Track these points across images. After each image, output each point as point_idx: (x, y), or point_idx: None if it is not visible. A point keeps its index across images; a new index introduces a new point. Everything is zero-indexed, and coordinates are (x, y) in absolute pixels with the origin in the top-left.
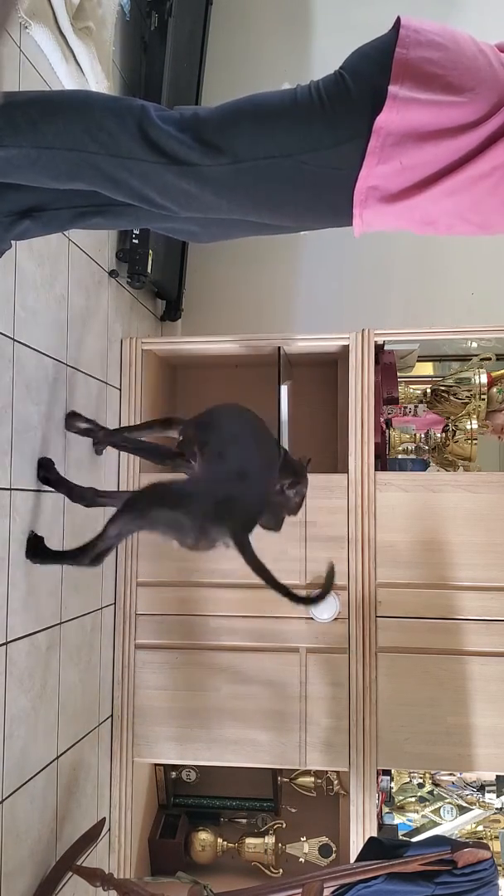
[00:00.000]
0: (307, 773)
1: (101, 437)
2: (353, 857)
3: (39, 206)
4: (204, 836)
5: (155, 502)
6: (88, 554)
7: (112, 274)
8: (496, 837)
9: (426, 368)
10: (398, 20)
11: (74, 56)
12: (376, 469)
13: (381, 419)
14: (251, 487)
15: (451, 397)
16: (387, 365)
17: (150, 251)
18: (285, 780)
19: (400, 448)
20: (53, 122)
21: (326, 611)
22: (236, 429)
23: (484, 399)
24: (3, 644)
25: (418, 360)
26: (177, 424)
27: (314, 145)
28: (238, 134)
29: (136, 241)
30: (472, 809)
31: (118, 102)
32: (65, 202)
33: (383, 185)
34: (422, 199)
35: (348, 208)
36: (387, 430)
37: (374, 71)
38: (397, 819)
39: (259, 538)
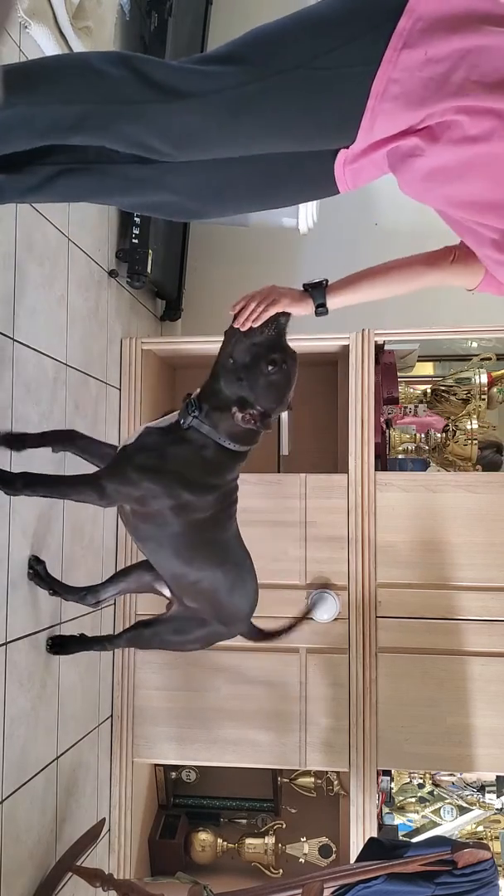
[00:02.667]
0: (307, 773)
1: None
2: (353, 858)
3: (16, 160)
4: (204, 837)
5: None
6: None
7: (112, 274)
8: (496, 838)
9: (426, 368)
10: None
11: None
12: (376, 469)
13: (381, 419)
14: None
15: (451, 397)
16: (387, 365)
17: (150, 251)
18: (285, 780)
19: (400, 448)
20: (45, 78)
21: (326, 611)
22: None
23: (484, 399)
24: (2, 644)
25: (418, 360)
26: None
27: (328, 45)
28: (243, 56)
29: (135, 241)
30: (472, 810)
31: (109, 53)
32: (47, 157)
33: (404, 79)
34: (438, 111)
35: (359, 113)
36: (387, 430)
37: None
38: (397, 819)
39: (259, 538)
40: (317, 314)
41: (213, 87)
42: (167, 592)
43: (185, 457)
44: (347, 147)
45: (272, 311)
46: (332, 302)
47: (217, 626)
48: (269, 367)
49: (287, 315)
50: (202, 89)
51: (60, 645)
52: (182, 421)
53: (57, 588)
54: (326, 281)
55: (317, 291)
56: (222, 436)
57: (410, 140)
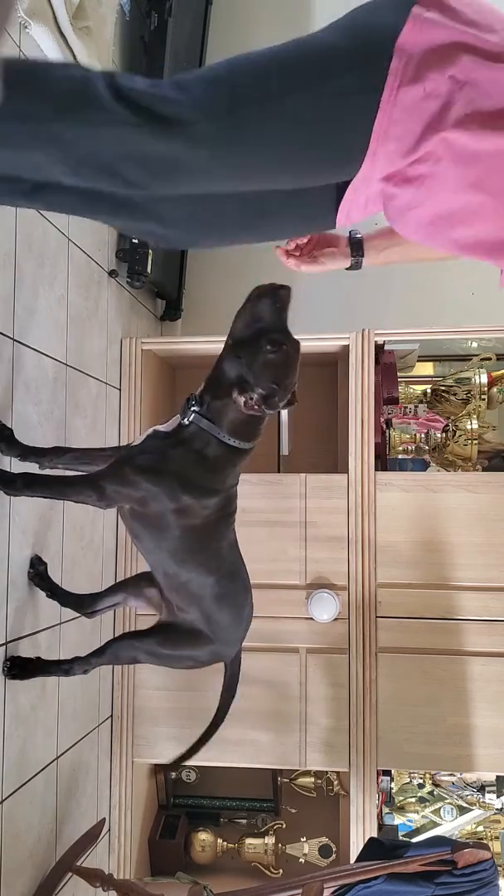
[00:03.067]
0: (307, 773)
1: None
2: (353, 858)
3: None
4: (204, 837)
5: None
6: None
7: (112, 274)
8: (496, 838)
9: (426, 368)
10: None
11: (74, 56)
12: (376, 469)
13: (381, 419)
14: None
15: (451, 397)
16: (387, 365)
17: (150, 251)
18: (285, 780)
19: (400, 448)
20: (7, 90)
21: (326, 611)
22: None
23: (484, 399)
24: (2, 644)
25: (418, 360)
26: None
27: (325, 81)
28: (236, 83)
29: (135, 240)
30: (472, 810)
31: (82, 69)
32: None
33: (404, 119)
34: (439, 143)
35: (360, 152)
36: (387, 430)
37: (392, 5)
38: (397, 819)
39: (259, 538)
40: (349, 268)
41: (200, 115)
42: (156, 599)
43: (186, 458)
44: (346, 182)
45: (325, 254)
46: (367, 258)
47: (210, 644)
48: (269, 346)
49: (287, 289)
50: (192, 117)
51: (20, 667)
52: (183, 418)
53: (55, 591)
54: (360, 237)
55: (356, 247)
56: (224, 431)
57: (406, 190)
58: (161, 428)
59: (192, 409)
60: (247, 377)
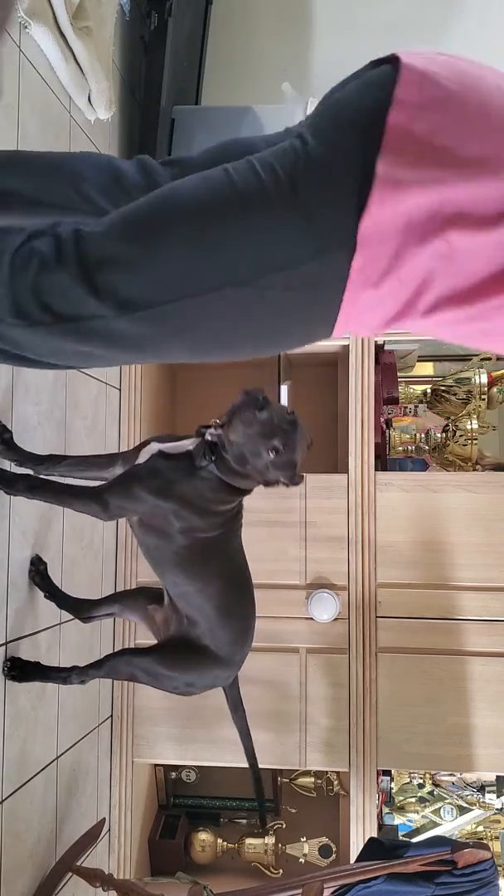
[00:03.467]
0: (307, 773)
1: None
2: (353, 858)
3: None
4: (204, 837)
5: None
6: None
7: None
8: (496, 838)
9: (426, 368)
10: (395, 59)
11: (74, 56)
12: (376, 469)
13: (381, 419)
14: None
15: (451, 397)
16: (387, 365)
17: None
18: (285, 780)
19: (400, 448)
20: None
21: (326, 611)
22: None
23: (484, 399)
24: (2, 644)
25: (418, 360)
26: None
27: (281, 261)
28: (154, 263)
29: None
30: (472, 810)
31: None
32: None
33: (373, 306)
34: (427, 325)
35: (328, 325)
36: (387, 430)
37: (354, 140)
38: (397, 819)
39: (259, 538)
40: None
41: (110, 312)
42: (159, 617)
43: (192, 488)
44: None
45: None
46: None
47: (213, 665)
48: (271, 454)
49: (259, 391)
50: (99, 313)
51: (20, 669)
52: (197, 462)
53: (54, 593)
54: None
55: None
56: (235, 481)
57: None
58: (165, 449)
59: (208, 460)
60: (266, 478)
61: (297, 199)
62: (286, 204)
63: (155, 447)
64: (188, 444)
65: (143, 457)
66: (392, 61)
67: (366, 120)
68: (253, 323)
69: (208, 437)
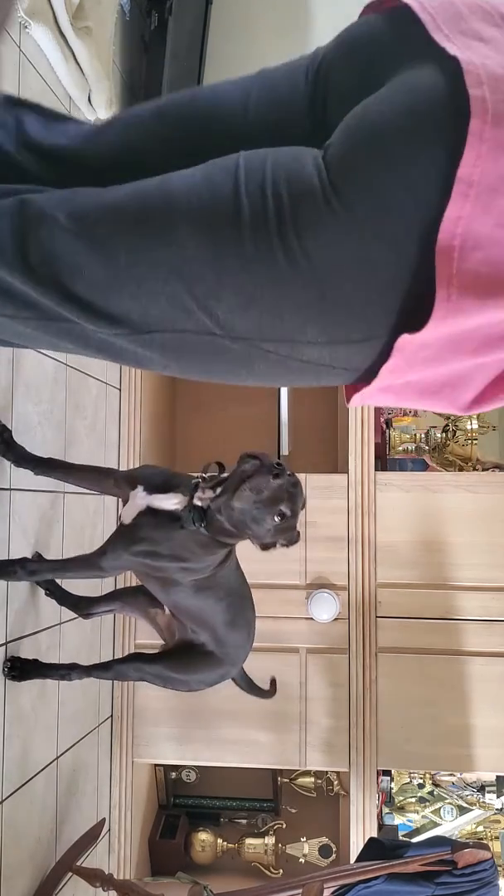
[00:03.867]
0: (307, 773)
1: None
2: (353, 858)
3: None
4: (204, 837)
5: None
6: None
7: None
8: (496, 838)
9: None
10: (455, 61)
11: (74, 56)
12: (376, 469)
13: (381, 419)
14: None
15: None
16: None
17: None
18: (285, 780)
19: (400, 448)
20: None
21: (326, 611)
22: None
23: None
24: (2, 644)
25: None
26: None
27: (286, 333)
28: (134, 284)
29: None
30: (472, 810)
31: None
32: None
33: (399, 389)
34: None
35: (341, 383)
36: (387, 430)
37: (407, 210)
38: (397, 819)
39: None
40: None
41: (89, 325)
42: (161, 620)
43: (181, 544)
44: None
45: None
46: None
47: (220, 667)
48: (276, 519)
49: (267, 456)
50: (76, 320)
51: (20, 669)
52: (184, 524)
53: (53, 590)
54: None
55: None
56: (226, 538)
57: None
58: (153, 504)
59: (197, 526)
60: (263, 541)
61: (311, 271)
62: (296, 272)
63: (142, 502)
64: (175, 503)
65: (130, 510)
66: (449, 65)
67: (421, 175)
68: (249, 371)
69: (197, 503)
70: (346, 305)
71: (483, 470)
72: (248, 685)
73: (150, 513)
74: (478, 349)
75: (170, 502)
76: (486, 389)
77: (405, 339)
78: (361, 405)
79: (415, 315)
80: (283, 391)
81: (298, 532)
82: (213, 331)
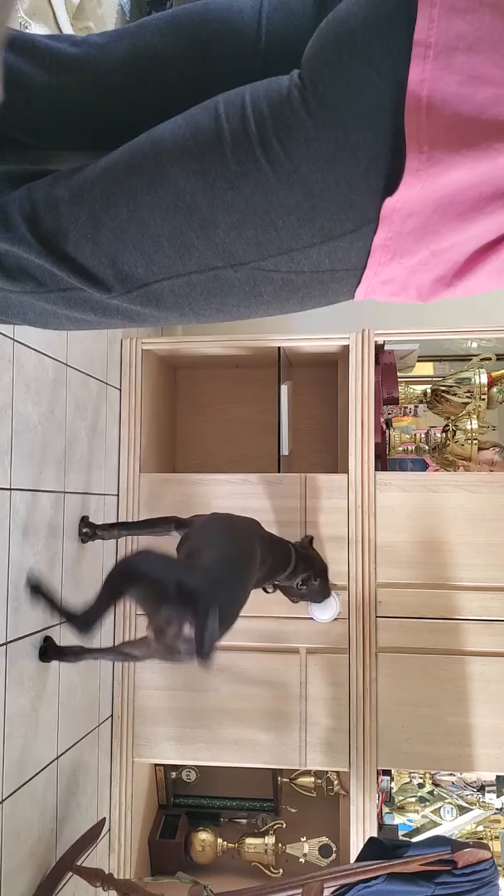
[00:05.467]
0: (307, 773)
1: (100, 534)
2: (353, 858)
3: None
4: (204, 836)
5: (129, 577)
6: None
7: None
8: (496, 837)
9: (426, 368)
10: None
11: None
12: (376, 469)
13: (381, 419)
14: (218, 584)
15: (451, 397)
16: (387, 365)
17: None
18: (285, 780)
19: (400, 448)
20: None
21: (326, 611)
22: (209, 535)
23: (484, 399)
24: (2, 644)
25: (418, 360)
26: (179, 526)
27: (282, 245)
28: (135, 236)
29: None
30: (472, 810)
31: None
32: None
33: (404, 278)
34: (466, 285)
35: (348, 296)
36: (387, 430)
37: (376, 87)
38: (397, 819)
39: None
40: None
41: (90, 289)
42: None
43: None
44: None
45: None
46: None
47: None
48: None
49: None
50: (78, 286)
51: (57, 651)
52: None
53: (55, 606)
54: None
55: None
56: None
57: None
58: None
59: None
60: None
61: (296, 172)
62: (281, 176)
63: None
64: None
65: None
66: None
67: (384, 52)
68: (258, 300)
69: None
70: (334, 196)
71: (481, 449)
72: None
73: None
74: (466, 213)
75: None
76: (469, 259)
77: (388, 205)
78: (365, 298)
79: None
80: (284, 391)
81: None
82: (216, 264)
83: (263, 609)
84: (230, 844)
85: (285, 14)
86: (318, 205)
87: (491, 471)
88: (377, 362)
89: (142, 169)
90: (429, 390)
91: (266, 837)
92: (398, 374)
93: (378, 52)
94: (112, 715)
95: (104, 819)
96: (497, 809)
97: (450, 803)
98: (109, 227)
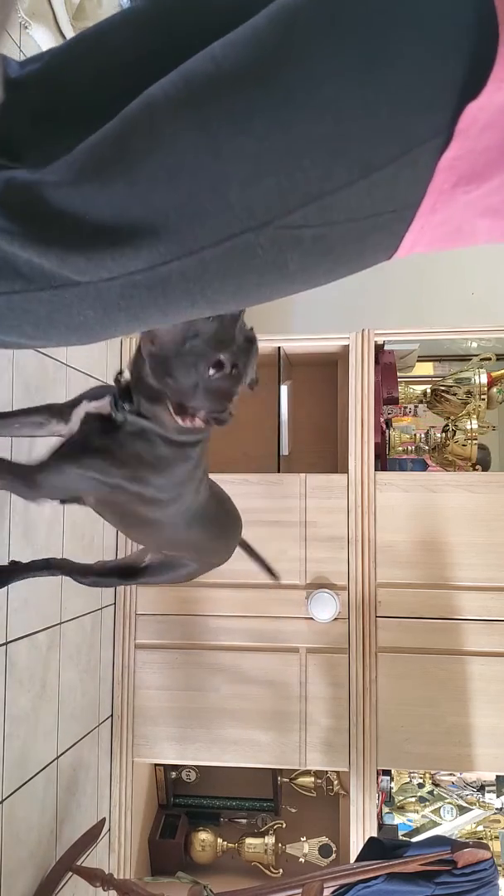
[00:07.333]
0: (307, 773)
1: None
2: (353, 858)
3: None
4: (204, 836)
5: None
6: None
7: None
8: (496, 837)
9: (426, 368)
10: None
11: None
12: (376, 469)
13: (381, 419)
14: None
15: (451, 397)
16: (387, 365)
17: None
18: (285, 780)
19: (400, 448)
20: None
21: (326, 611)
22: None
23: (484, 399)
24: (3, 644)
25: (418, 360)
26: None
27: (313, 187)
28: (140, 214)
29: None
30: (471, 809)
31: None
32: None
33: (461, 216)
34: None
35: (387, 251)
36: (387, 430)
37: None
38: (397, 819)
39: (259, 538)
40: None
41: (101, 273)
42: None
43: (131, 452)
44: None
45: None
46: None
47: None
48: (211, 371)
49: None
50: (85, 275)
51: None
52: (113, 415)
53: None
54: None
55: None
56: (167, 430)
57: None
58: (92, 409)
59: (125, 409)
60: (184, 400)
61: (319, 89)
62: (300, 99)
63: (82, 410)
64: (109, 399)
65: (74, 420)
66: None
67: None
68: (282, 272)
69: (121, 381)
70: (375, 111)
71: (482, 431)
72: (253, 555)
73: (93, 419)
74: None
75: (102, 403)
76: None
77: (470, 113)
78: (409, 252)
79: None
80: (283, 391)
81: (231, 413)
82: (233, 230)
83: (264, 609)
84: (230, 844)
85: None
86: (351, 127)
87: None
88: (377, 362)
89: (136, 131)
90: (429, 390)
91: (266, 837)
92: (398, 373)
93: None
94: (112, 715)
95: (104, 819)
96: (497, 809)
97: (450, 803)
98: (109, 203)
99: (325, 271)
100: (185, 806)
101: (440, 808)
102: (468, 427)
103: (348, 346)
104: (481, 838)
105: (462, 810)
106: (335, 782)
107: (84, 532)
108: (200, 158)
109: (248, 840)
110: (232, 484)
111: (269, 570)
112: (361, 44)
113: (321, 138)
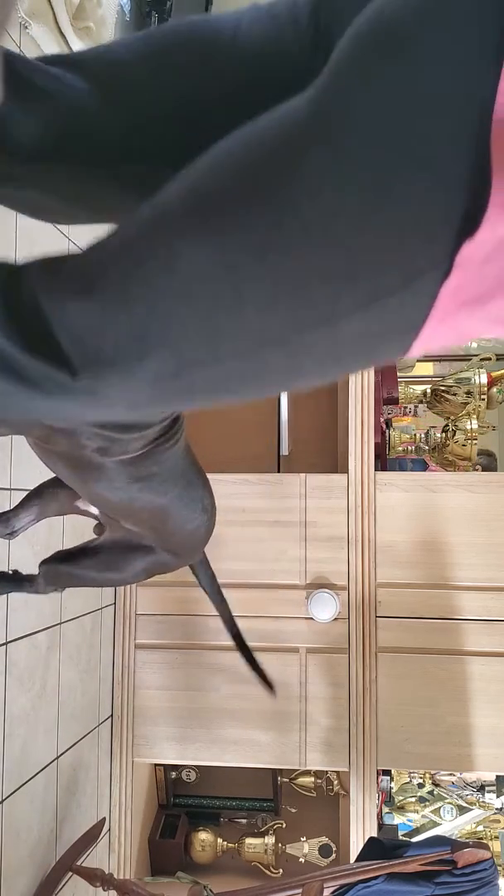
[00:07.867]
0: (307, 773)
1: None
2: (353, 858)
3: None
4: (204, 836)
5: None
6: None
7: None
8: (496, 837)
9: (426, 368)
10: None
11: None
12: (376, 469)
13: (381, 419)
14: None
15: (451, 397)
16: (387, 365)
17: None
18: (285, 780)
19: (400, 448)
20: None
21: (326, 611)
22: None
23: (484, 399)
24: (3, 644)
25: (418, 360)
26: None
27: (321, 315)
28: (158, 333)
29: None
30: (471, 809)
31: None
32: None
33: (469, 326)
34: None
35: (399, 354)
36: (387, 430)
37: (448, 105)
38: (397, 819)
39: (259, 538)
40: None
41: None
42: (94, 510)
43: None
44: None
45: None
46: None
47: (162, 555)
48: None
49: None
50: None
51: None
52: None
53: None
54: None
55: None
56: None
57: None
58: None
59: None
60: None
61: (331, 227)
62: (312, 234)
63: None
64: None
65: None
66: None
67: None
68: (298, 374)
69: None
70: (379, 247)
71: (482, 431)
72: (211, 585)
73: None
74: None
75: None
76: None
77: (468, 250)
78: (421, 353)
79: (465, 228)
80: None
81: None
82: (250, 348)
83: (264, 609)
84: (230, 844)
85: (267, 31)
86: (359, 261)
87: None
88: None
89: (152, 248)
90: (429, 390)
91: (266, 837)
92: (398, 373)
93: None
94: (112, 715)
95: (104, 819)
96: (497, 809)
97: (450, 803)
98: (129, 322)
99: (336, 373)
100: (185, 806)
101: (440, 808)
102: (468, 427)
103: None
104: (481, 838)
105: (462, 810)
106: (335, 782)
107: (84, 532)
108: (218, 286)
109: (248, 840)
110: (232, 484)
111: (268, 684)
112: (370, 181)
113: (333, 271)
